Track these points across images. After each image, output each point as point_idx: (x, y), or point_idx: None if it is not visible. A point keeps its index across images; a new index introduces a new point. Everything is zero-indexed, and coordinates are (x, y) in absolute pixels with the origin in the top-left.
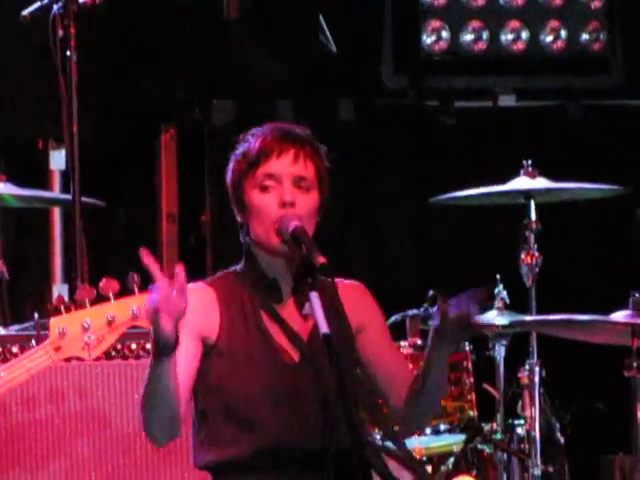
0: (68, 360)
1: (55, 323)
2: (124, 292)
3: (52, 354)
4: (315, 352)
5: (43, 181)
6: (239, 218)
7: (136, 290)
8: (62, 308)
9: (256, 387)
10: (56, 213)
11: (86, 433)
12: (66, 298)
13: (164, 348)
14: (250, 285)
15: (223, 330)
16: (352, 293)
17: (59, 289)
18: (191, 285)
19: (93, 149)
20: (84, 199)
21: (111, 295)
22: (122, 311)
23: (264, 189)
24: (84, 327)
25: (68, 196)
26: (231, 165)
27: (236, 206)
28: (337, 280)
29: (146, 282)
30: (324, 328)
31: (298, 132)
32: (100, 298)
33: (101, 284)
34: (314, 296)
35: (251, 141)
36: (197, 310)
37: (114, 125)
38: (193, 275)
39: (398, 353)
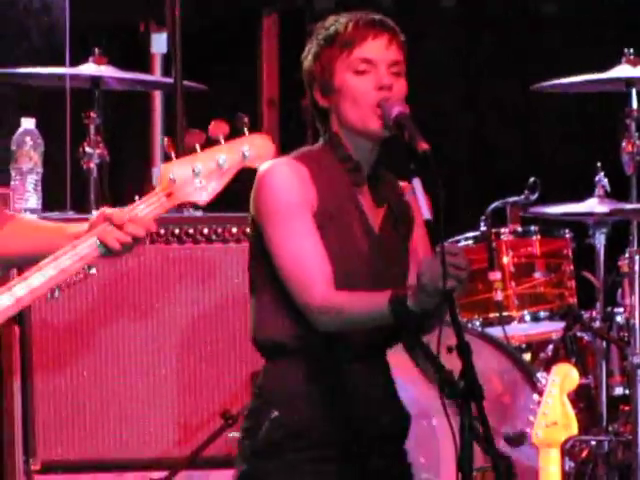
0: (169, 243)
1: (166, 169)
2: (234, 134)
3: (163, 200)
4: (384, 243)
5: (145, 64)
6: (322, 102)
7: (246, 131)
8: (172, 154)
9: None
10: (157, 97)
11: (184, 315)
12: None
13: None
14: (336, 165)
15: (319, 210)
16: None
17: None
18: (283, 162)
19: (194, 33)
20: (185, 83)
21: (221, 138)
22: (232, 154)
23: (359, 72)
24: (195, 172)
25: (169, 80)
26: (314, 50)
27: (320, 89)
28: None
29: (255, 124)
30: (427, 214)
31: (387, 19)
32: (209, 142)
33: (210, 127)
34: (417, 182)
35: (338, 26)
36: (301, 187)
37: (216, 9)
38: None
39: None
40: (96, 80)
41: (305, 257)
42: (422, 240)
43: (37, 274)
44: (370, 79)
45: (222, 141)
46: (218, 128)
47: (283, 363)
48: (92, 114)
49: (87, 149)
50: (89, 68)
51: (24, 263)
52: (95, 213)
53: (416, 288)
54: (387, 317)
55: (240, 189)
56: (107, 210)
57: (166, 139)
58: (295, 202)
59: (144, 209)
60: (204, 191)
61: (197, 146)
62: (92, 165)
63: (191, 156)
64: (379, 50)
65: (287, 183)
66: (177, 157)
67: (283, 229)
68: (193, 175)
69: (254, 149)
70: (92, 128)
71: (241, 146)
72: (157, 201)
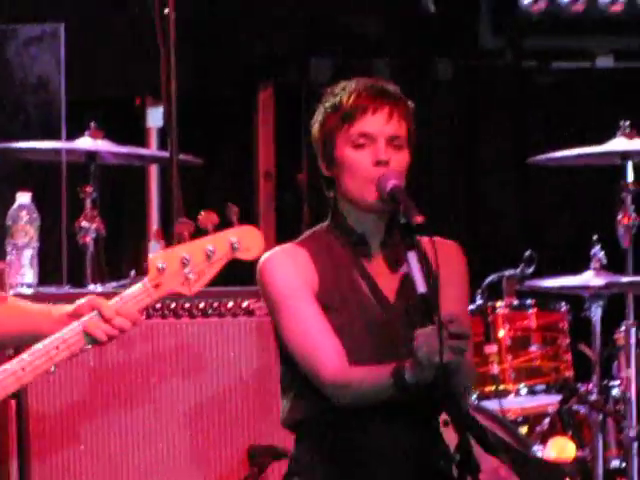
0: (165, 317)
1: (154, 259)
2: (223, 225)
3: (152, 291)
4: (400, 310)
5: (140, 138)
6: (325, 172)
7: (235, 222)
8: (161, 242)
9: (345, 346)
10: (153, 171)
11: (181, 389)
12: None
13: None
14: (339, 240)
15: (321, 290)
16: (444, 249)
17: (155, 246)
18: (282, 248)
19: (190, 106)
20: (181, 157)
21: (210, 228)
22: (221, 244)
23: (358, 146)
24: (183, 262)
25: (165, 154)
26: (320, 118)
27: (324, 160)
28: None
29: (245, 214)
30: (421, 288)
31: (391, 89)
32: (199, 232)
33: (200, 217)
34: (411, 256)
35: (342, 95)
36: (299, 271)
37: (211, 82)
38: (290, 234)
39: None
40: (92, 154)
41: (313, 337)
42: (453, 299)
43: (21, 359)
44: (368, 154)
45: (211, 231)
46: (208, 218)
47: (308, 438)
48: (88, 188)
49: (83, 223)
50: (85, 142)
51: (11, 345)
52: (92, 287)
53: (412, 362)
54: (391, 390)
55: (236, 263)
56: (96, 300)
57: (155, 228)
58: (294, 286)
59: (132, 300)
60: (192, 282)
61: (185, 235)
62: (88, 239)
63: (180, 246)
64: (378, 124)
65: (283, 270)
66: (166, 246)
67: (287, 314)
68: (182, 266)
69: (243, 240)
70: (88, 202)
71: (230, 237)
72: (145, 292)
